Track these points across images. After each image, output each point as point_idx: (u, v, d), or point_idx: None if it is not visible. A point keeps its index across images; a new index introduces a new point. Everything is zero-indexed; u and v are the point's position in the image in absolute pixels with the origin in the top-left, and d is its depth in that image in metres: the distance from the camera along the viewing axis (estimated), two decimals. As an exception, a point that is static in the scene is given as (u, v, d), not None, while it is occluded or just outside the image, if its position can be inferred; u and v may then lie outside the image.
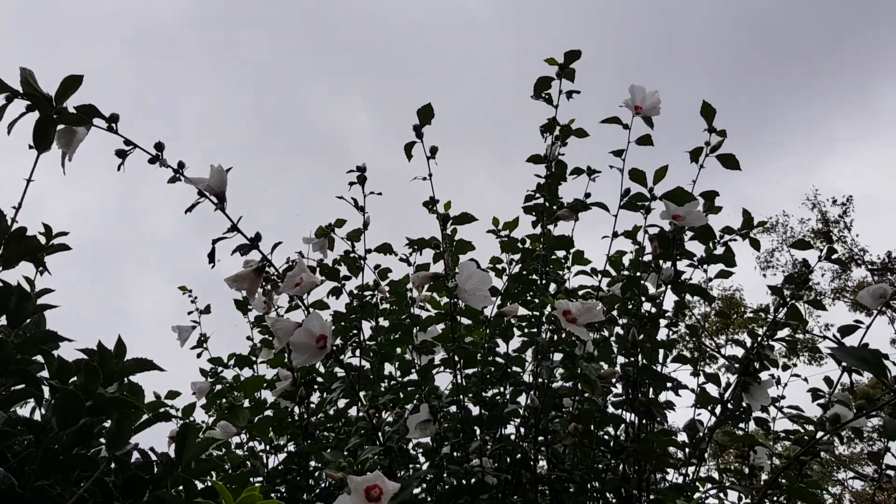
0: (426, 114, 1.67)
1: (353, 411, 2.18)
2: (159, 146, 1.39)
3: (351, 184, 1.94)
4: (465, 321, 2.27)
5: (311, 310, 1.65)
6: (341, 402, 2.21)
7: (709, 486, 1.94)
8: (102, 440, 1.16)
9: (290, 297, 2.05)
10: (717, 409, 2.05)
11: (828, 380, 1.78)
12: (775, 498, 1.66)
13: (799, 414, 1.77)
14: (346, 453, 1.42)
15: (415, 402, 2.07)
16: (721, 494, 1.80)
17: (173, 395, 2.33)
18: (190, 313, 2.87)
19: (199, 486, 1.15)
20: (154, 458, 1.20)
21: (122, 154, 1.36)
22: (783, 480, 1.68)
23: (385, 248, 2.02)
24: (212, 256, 1.42)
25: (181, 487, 1.13)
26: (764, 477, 1.81)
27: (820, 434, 1.39)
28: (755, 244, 2.16)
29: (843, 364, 1.58)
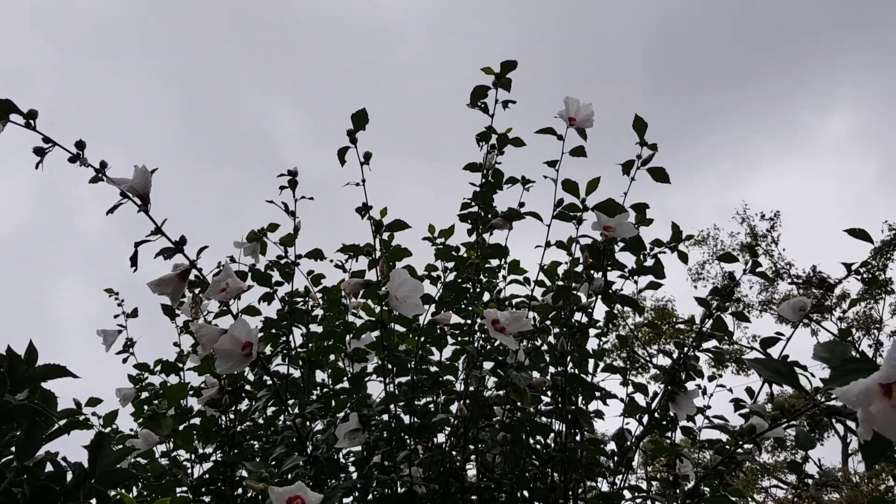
0: (360, 119, 1.66)
1: (283, 420, 2.14)
2: (80, 144, 1.34)
3: (282, 188, 1.91)
4: (400, 329, 2.26)
5: (239, 315, 1.62)
6: (270, 411, 2.18)
7: (635, 494, 1.96)
8: (13, 449, 1.11)
9: (219, 303, 2.01)
10: (645, 419, 2.09)
11: (749, 390, 1.82)
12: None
13: (721, 424, 1.81)
14: (271, 463, 1.40)
15: (346, 410, 2.05)
16: (647, 503, 1.82)
17: (94, 402, 2.25)
18: (116, 317, 2.79)
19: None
20: (67, 467, 1.15)
21: (40, 152, 1.31)
22: (706, 489, 1.72)
23: (316, 254, 1.99)
24: (134, 260, 1.38)
25: (94, 500, 1.09)
26: (689, 486, 1.83)
27: (738, 444, 1.41)
28: (683, 257, 2.21)
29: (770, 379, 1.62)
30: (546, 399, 2.06)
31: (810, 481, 1.99)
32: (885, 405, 0.65)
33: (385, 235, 2.18)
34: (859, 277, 1.85)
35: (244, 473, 2.08)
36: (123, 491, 0.90)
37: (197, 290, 1.97)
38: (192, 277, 1.57)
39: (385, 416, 2.00)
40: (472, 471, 2.07)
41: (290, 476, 1.47)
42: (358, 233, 2.10)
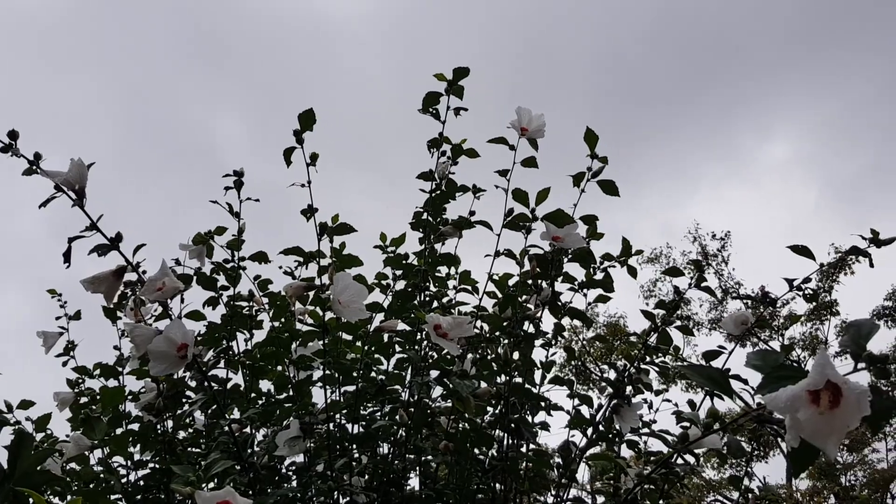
0: (307, 119, 1.63)
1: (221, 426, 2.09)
2: (13, 134, 1.29)
3: (227, 188, 1.87)
4: (348, 337, 2.23)
5: (179, 317, 1.57)
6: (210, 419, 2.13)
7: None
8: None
9: (161, 306, 1.96)
10: (590, 431, 2.09)
11: (691, 402, 1.83)
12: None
13: (660, 433, 1.82)
14: (200, 467, 1.35)
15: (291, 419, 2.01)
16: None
17: (27, 404, 2.18)
18: (58, 318, 2.71)
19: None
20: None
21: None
22: (647, 502, 1.72)
23: (260, 257, 1.95)
24: (67, 256, 1.33)
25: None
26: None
27: (673, 452, 1.42)
28: (632, 271, 2.23)
29: (706, 388, 1.63)
30: (493, 410, 2.06)
31: (751, 496, 2.01)
32: (812, 413, 0.65)
33: (336, 243, 2.16)
34: (801, 294, 1.88)
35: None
36: (35, 493, 0.86)
37: (134, 291, 1.92)
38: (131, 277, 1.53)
39: (330, 425, 1.97)
40: (416, 481, 2.05)
41: (217, 481, 1.43)
42: (304, 241, 2.07)
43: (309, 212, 1.68)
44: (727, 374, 0.84)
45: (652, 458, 2.09)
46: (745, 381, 1.30)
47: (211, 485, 1.28)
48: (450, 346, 1.55)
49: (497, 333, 2.09)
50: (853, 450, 12.98)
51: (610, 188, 2.09)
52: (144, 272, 1.58)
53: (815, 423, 0.64)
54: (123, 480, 2.06)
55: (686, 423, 1.62)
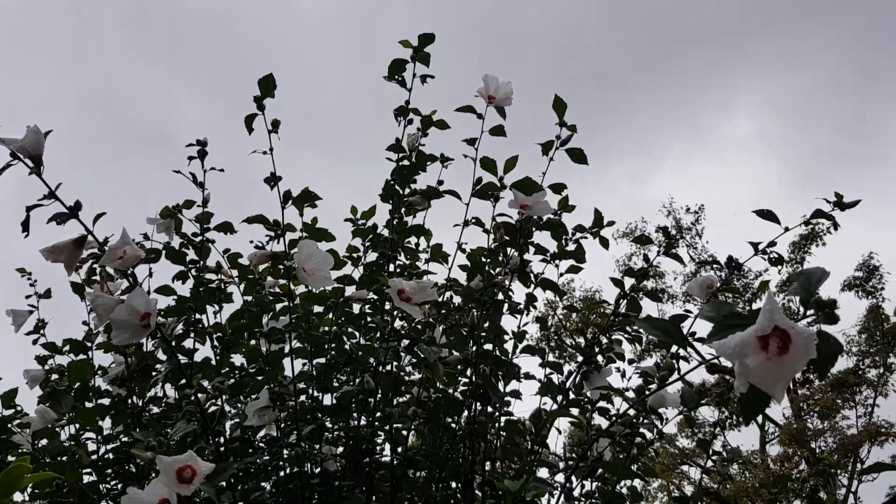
0: (268, 85, 1.61)
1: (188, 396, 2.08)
2: (-35, 102, 1.27)
3: (190, 158, 1.84)
4: (319, 309, 2.23)
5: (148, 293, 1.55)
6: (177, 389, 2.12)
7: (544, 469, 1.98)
8: None
9: (129, 280, 1.94)
10: (559, 398, 2.11)
11: (657, 365, 1.85)
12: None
13: (619, 390, 1.84)
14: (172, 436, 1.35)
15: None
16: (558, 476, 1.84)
17: (-8, 382, 2.15)
18: (28, 297, 2.69)
19: None
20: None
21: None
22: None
23: (226, 227, 1.93)
24: (26, 225, 1.31)
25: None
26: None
27: (631, 409, 1.43)
28: (604, 242, 2.23)
29: (672, 352, 1.65)
30: (464, 380, 2.07)
31: (717, 458, 2.04)
32: (761, 359, 0.66)
33: (306, 217, 2.15)
34: (766, 258, 1.90)
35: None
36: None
37: (97, 262, 1.89)
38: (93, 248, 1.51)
39: (302, 397, 1.97)
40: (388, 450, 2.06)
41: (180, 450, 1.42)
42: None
43: (272, 180, 1.66)
44: (680, 326, 0.85)
45: (617, 419, 2.11)
46: (703, 340, 1.32)
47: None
48: (413, 311, 1.55)
49: (471, 306, 2.10)
50: (824, 417, 13.23)
51: (578, 156, 2.09)
52: (106, 242, 1.56)
53: (762, 369, 0.65)
54: (94, 455, 2.05)
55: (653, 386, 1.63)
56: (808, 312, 0.70)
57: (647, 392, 1.24)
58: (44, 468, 1.71)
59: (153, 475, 1.82)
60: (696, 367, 0.80)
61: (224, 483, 1.58)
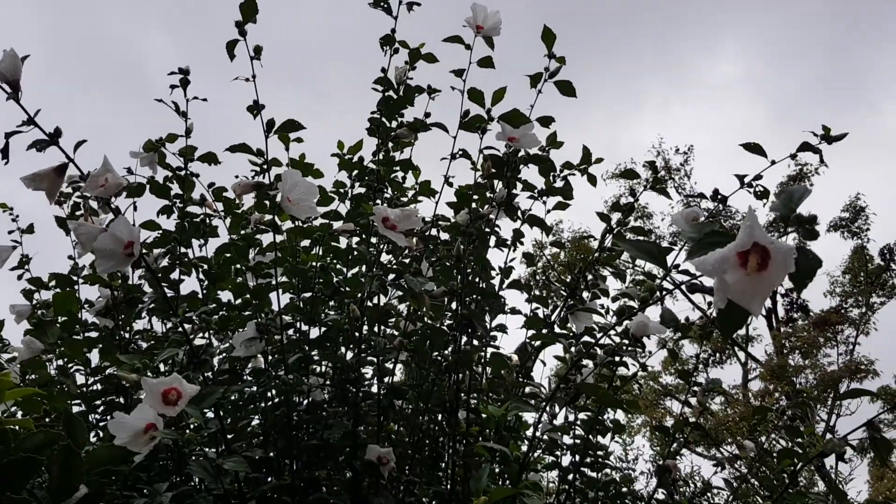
0: (250, 8, 1.57)
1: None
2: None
3: (172, 87, 1.81)
4: (306, 243, 2.23)
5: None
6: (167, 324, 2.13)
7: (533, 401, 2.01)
8: None
9: (113, 212, 1.92)
10: (545, 332, 2.13)
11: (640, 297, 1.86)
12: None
13: (594, 309, 1.87)
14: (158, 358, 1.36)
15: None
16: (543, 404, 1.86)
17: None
18: (10, 232, 2.67)
19: None
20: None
21: None
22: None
23: (209, 158, 1.91)
24: (5, 152, 1.29)
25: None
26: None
27: (612, 328, 1.45)
28: (592, 180, 2.23)
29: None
30: (450, 314, 2.08)
31: (697, 389, 2.07)
32: (740, 275, 0.66)
33: (292, 153, 2.13)
34: (752, 191, 1.90)
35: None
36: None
37: (79, 193, 1.88)
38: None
39: (290, 331, 1.98)
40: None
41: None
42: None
43: (255, 108, 1.63)
44: (662, 247, 0.85)
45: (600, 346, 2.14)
46: (687, 272, 1.33)
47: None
48: (398, 238, 1.54)
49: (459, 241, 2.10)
50: (806, 355, 13.46)
51: (567, 89, 2.07)
52: (88, 173, 1.54)
53: (741, 285, 0.65)
54: (81, 388, 2.07)
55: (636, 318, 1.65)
56: (789, 229, 0.70)
57: (630, 313, 1.25)
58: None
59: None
60: (677, 288, 0.80)
61: (210, 412, 1.61)
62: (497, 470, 1.75)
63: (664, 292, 1.10)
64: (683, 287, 0.82)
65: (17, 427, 0.90)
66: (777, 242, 0.64)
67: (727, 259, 0.66)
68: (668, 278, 0.95)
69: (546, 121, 2.09)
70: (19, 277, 2.64)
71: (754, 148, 1.79)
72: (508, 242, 2.17)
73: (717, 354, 13.79)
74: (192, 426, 1.34)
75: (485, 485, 1.11)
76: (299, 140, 2.16)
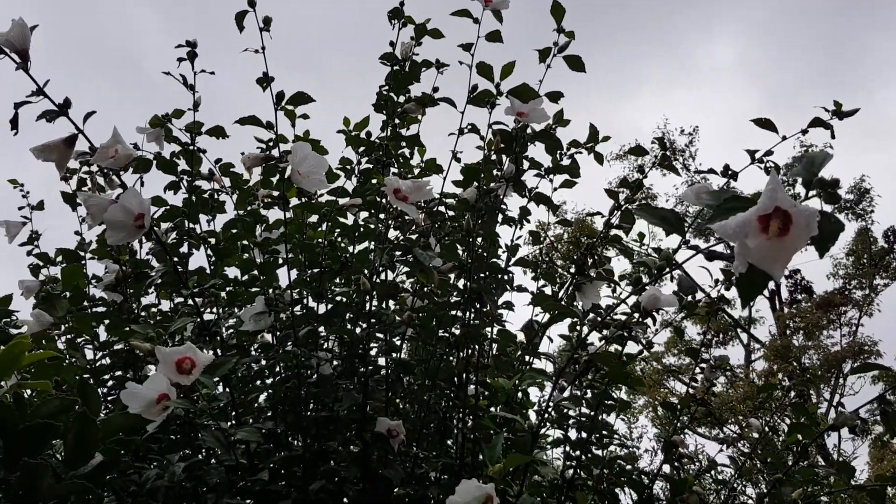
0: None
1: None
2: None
3: (180, 60, 1.80)
4: (313, 219, 2.23)
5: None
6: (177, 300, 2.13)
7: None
8: None
9: (121, 186, 1.92)
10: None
11: (650, 273, 1.86)
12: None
13: (607, 276, 1.86)
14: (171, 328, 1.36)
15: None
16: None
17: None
18: (21, 209, 2.68)
19: None
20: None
21: None
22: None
23: (217, 132, 1.90)
24: (15, 122, 1.28)
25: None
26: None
27: (626, 297, 1.45)
28: (598, 157, 2.22)
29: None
30: (457, 292, 2.08)
31: (704, 365, 2.07)
32: (761, 239, 0.66)
33: (298, 129, 2.12)
34: (763, 167, 1.89)
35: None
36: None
37: (88, 164, 1.87)
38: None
39: (297, 307, 1.98)
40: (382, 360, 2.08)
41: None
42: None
43: (265, 80, 1.63)
44: (679, 215, 0.85)
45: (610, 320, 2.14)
46: (696, 248, 1.32)
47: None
48: (409, 210, 1.54)
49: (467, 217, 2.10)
50: (809, 336, 13.45)
51: (576, 63, 2.05)
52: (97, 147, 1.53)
53: (763, 248, 0.65)
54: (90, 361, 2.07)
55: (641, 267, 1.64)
56: (811, 193, 0.70)
57: (644, 284, 1.24)
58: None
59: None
60: (694, 255, 0.80)
61: (221, 386, 1.61)
62: (507, 443, 1.75)
63: (680, 262, 1.10)
64: (701, 254, 0.82)
65: (32, 392, 0.90)
66: (799, 206, 0.63)
67: (749, 223, 0.65)
68: (683, 245, 0.94)
69: (555, 96, 2.08)
70: (28, 253, 2.65)
71: (765, 123, 1.78)
72: (515, 220, 2.17)
73: (721, 335, 13.80)
74: (202, 399, 1.35)
75: (499, 453, 1.12)
76: (305, 116, 2.15)
